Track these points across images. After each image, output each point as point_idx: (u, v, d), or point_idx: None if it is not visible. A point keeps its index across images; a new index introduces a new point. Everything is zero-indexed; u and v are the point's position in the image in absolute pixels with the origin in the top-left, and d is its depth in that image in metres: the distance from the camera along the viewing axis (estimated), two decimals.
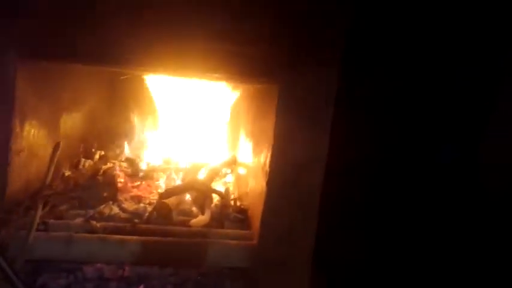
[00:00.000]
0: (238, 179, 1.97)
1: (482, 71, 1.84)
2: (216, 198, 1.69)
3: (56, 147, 1.55)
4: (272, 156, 1.38)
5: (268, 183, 1.39)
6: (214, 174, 1.80)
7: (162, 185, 1.87)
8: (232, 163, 2.05)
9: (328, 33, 1.33)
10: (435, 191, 1.84)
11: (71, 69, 1.75)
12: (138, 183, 1.83)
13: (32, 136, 1.47)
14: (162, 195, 1.54)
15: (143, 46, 1.31)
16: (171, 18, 1.30)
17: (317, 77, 1.35)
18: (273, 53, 1.34)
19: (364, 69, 1.62)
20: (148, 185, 1.84)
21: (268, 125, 1.43)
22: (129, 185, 1.82)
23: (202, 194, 1.60)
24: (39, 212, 1.38)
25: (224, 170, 2.10)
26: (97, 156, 2.03)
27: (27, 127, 1.42)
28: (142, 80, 2.07)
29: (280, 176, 1.39)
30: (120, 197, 1.68)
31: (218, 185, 1.99)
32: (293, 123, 1.37)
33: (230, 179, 2.07)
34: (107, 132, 2.21)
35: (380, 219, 1.75)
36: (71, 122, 1.87)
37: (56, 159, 1.53)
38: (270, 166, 1.38)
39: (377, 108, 1.65)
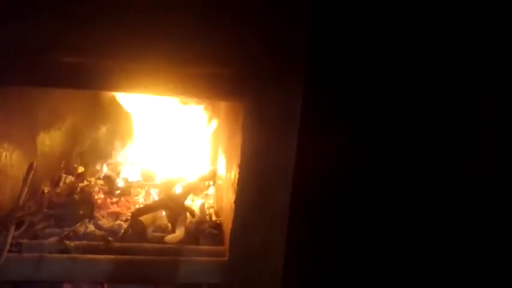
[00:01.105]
0: (218, 192, 1.98)
1: (462, 72, 1.85)
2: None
3: (30, 167, 1.57)
4: (240, 174, 1.40)
5: (236, 202, 1.41)
6: (190, 190, 1.81)
7: (141, 201, 1.89)
8: (212, 177, 2.06)
9: (291, 52, 1.35)
10: (418, 195, 1.84)
11: (48, 89, 1.77)
12: (116, 199, 1.85)
13: (4, 158, 1.49)
14: (135, 213, 1.56)
15: (113, 67, 1.33)
16: (140, 40, 1.33)
17: (281, 96, 1.37)
18: (237, 74, 1.36)
19: (330, 84, 1.64)
20: (127, 201, 1.86)
21: (238, 143, 1.45)
22: (108, 201, 1.84)
23: (175, 210, 1.61)
24: (11, 233, 1.40)
25: (206, 183, 2.12)
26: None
27: None
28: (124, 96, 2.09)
29: (248, 194, 1.41)
30: (98, 214, 1.70)
31: (198, 199, 2.01)
32: (259, 142, 1.39)
33: (212, 191, 2.09)
34: (88, 148, 2.23)
35: (355, 231, 1.77)
36: (50, 140, 1.90)
37: (29, 180, 1.55)
38: (238, 184, 1.40)
39: (345, 122, 1.66)
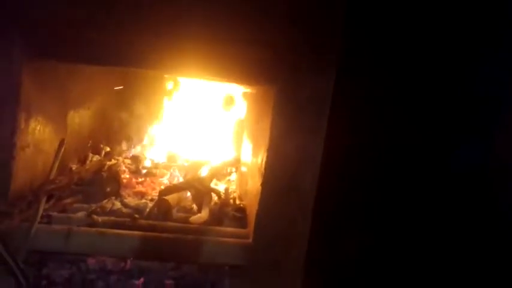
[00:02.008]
0: (241, 178, 2.00)
1: (490, 70, 1.82)
2: (215, 196, 1.72)
3: (61, 143, 1.60)
4: (268, 157, 1.41)
5: (263, 185, 1.42)
6: (215, 173, 1.83)
7: (166, 181, 1.91)
8: (236, 162, 2.08)
9: (325, 37, 1.35)
10: (435, 194, 1.83)
11: (80, 67, 1.80)
12: (142, 179, 1.87)
13: (37, 132, 1.53)
14: (162, 192, 1.59)
15: (147, 47, 1.35)
16: (174, 20, 1.34)
17: (313, 80, 1.37)
18: (271, 57, 1.37)
19: (361, 71, 1.63)
20: (152, 182, 1.88)
21: (266, 127, 1.46)
22: (134, 180, 1.87)
23: (201, 192, 1.63)
24: (42, 205, 1.44)
25: (229, 169, 2.13)
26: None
27: (32, 124, 1.48)
28: (153, 77, 2.12)
29: (275, 178, 1.41)
30: (124, 193, 1.73)
31: (222, 183, 2.03)
32: (289, 126, 1.39)
33: (234, 177, 2.11)
34: (115, 128, 2.26)
35: (378, 221, 1.76)
36: (79, 118, 1.93)
37: (60, 155, 1.59)
38: (265, 168, 1.41)
39: (374, 111, 1.66)
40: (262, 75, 1.39)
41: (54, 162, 1.56)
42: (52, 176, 1.55)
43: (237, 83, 1.57)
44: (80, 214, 1.51)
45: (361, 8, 1.58)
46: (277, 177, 1.41)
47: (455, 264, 1.77)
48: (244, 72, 1.39)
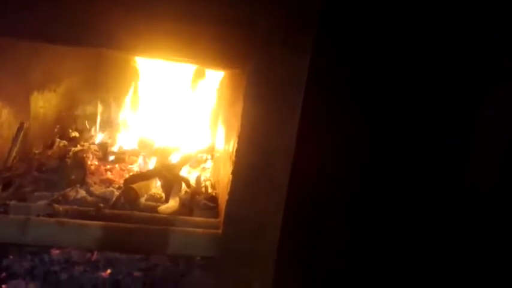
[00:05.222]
0: (216, 165, 1.93)
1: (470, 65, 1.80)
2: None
3: (20, 127, 1.51)
4: (239, 144, 1.34)
5: (233, 173, 1.35)
6: (186, 160, 1.76)
7: (135, 168, 1.83)
8: (211, 149, 2.00)
9: (300, 19, 1.28)
10: (412, 186, 1.80)
11: (44, 46, 1.69)
12: (110, 166, 1.79)
13: None
14: (128, 180, 1.51)
15: (110, 25, 1.26)
16: None
17: (287, 65, 1.30)
18: (242, 38, 1.29)
19: (339, 55, 1.57)
20: (121, 169, 1.80)
21: (238, 113, 1.38)
22: (102, 168, 1.78)
23: (169, 180, 1.56)
24: None
25: (204, 156, 2.06)
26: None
27: None
28: (127, 60, 2.03)
29: (246, 166, 1.35)
30: (90, 180, 1.65)
31: (196, 171, 1.96)
32: (261, 112, 1.33)
33: (209, 165, 2.04)
34: (85, 113, 2.17)
35: (354, 212, 1.72)
36: (45, 101, 1.83)
37: (19, 140, 1.50)
38: (237, 155, 1.34)
39: (350, 97, 1.60)
40: (233, 58, 1.31)
41: (11, 148, 1.47)
42: (9, 163, 1.46)
43: (207, 65, 1.50)
44: (40, 203, 1.43)
45: None
46: (249, 165, 1.34)
47: (434, 255, 1.75)
48: (216, 53, 1.31)
